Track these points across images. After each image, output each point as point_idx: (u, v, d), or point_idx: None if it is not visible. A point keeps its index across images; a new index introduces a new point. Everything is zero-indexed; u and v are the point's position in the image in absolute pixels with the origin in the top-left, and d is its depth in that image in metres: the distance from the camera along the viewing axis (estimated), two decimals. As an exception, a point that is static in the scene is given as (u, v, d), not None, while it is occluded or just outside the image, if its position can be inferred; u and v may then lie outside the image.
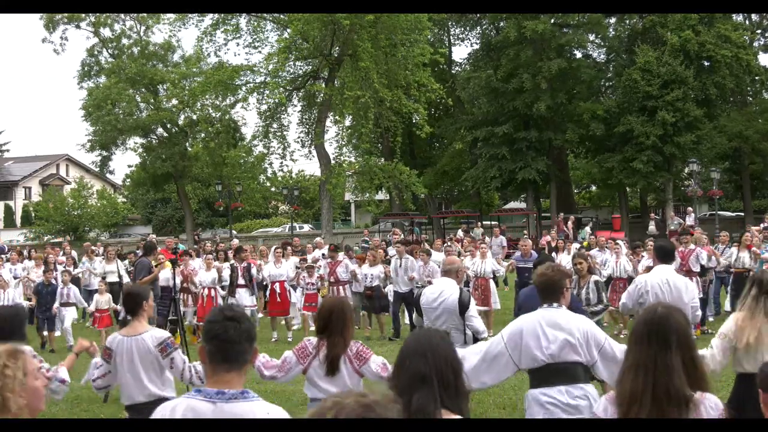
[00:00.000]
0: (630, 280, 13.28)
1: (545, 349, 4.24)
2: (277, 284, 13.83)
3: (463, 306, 6.25)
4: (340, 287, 13.71)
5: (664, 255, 6.82)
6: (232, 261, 14.25)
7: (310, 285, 13.95)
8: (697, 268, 12.25)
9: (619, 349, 4.20)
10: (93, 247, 18.84)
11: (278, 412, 2.61)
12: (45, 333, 13.41)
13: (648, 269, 8.04)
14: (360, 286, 13.68)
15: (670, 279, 6.56)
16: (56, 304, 13.31)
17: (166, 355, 4.91)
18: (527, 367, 4.32)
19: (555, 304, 4.39)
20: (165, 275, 13.14)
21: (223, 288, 13.55)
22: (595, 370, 4.30)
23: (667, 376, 2.79)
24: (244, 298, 13.37)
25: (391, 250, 17.20)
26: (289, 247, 15.75)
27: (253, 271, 13.97)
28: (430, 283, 12.92)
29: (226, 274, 13.74)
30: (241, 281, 13.50)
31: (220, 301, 13.24)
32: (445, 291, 6.29)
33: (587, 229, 27.22)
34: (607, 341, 4.30)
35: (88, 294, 15.02)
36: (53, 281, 13.80)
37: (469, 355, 4.34)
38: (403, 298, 13.70)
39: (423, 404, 2.52)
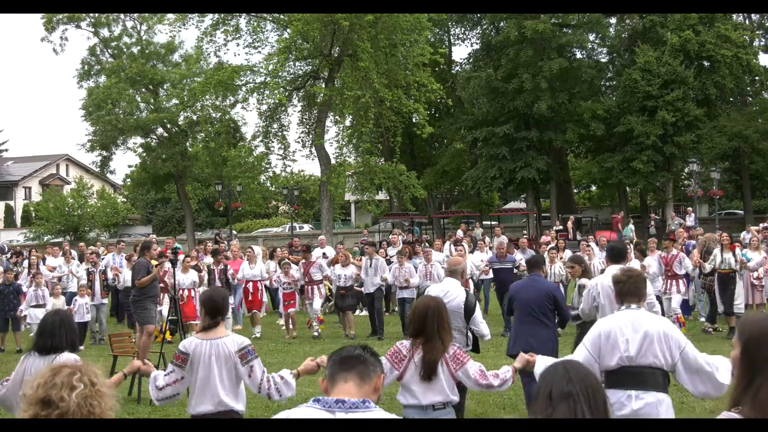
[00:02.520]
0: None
1: (624, 351, 4.26)
2: (251, 284, 14.06)
3: (470, 309, 6.21)
4: (314, 287, 13.83)
5: (614, 256, 6.91)
6: (209, 262, 14.36)
7: (286, 284, 14.03)
8: (681, 272, 12.61)
9: (702, 357, 4.23)
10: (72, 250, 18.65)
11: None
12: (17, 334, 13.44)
13: (602, 271, 8.08)
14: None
15: None
16: (24, 306, 13.28)
17: (246, 362, 4.60)
18: (604, 369, 4.32)
19: (633, 306, 4.46)
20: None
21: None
22: (676, 375, 4.30)
23: None
24: None
25: (391, 250, 17.24)
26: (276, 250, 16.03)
27: (232, 276, 14.06)
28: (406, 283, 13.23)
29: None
30: (217, 282, 13.60)
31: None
32: (451, 292, 6.24)
33: (631, 226, 27.13)
34: (688, 345, 4.29)
35: (70, 296, 14.90)
36: (15, 282, 13.78)
37: None
38: (372, 297, 13.87)
39: (567, 416, 2.39)
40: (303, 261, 14.40)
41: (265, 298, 14.98)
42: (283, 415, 2.60)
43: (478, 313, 6.35)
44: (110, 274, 14.60)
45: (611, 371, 4.30)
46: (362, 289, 14.28)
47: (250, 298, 14.17)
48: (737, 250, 12.93)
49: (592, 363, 4.28)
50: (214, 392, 4.60)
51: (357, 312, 16.60)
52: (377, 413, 2.53)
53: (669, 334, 4.29)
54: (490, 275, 14.56)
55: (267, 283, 15.20)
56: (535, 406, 2.51)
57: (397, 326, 13.99)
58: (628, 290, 4.51)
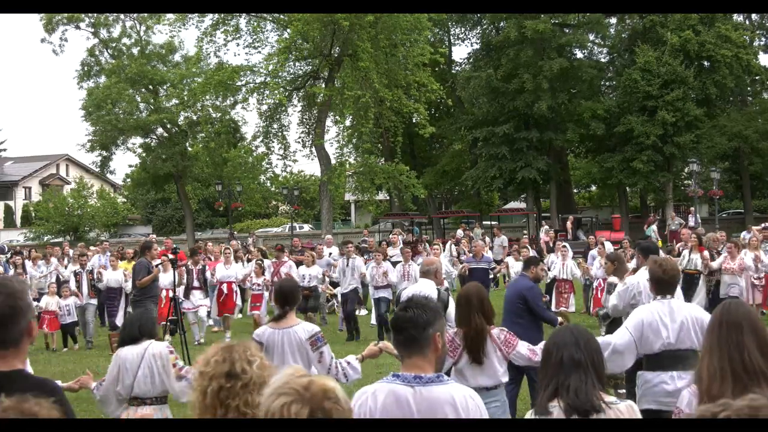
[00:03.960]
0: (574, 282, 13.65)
1: (665, 338, 4.75)
2: (225, 285, 13.79)
3: (442, 306, 6.22)
4: None
5: (648, 254, 6.93)
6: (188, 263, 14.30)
7: (255, 286, 13.94)
8: None
9: None
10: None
11: (474, 395, 2.89)
12: None
13: (634, 271, 8.05)
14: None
15: None
16: None
17: (316, 348, 4.91)
18: (644, 353, 4.84)
19: (668, 296, 4.91)
20: (115, 276, 13.28)
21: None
22: None
23: (739, 353, 2.94)
24: (199, 299, 13.35)
25: (392, 250, 17.22)
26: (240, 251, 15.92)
27: (207, 273, 13.98)
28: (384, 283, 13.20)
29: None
30: (195, 283, 13.49)
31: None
32: (424, 292, 6.28)
33: (653, 227, 26.81)
34: None
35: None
36: None
37: None
38: (346, 297, 13.81)
39: (579, 385, 2.75)
40: (273, 260, 14.29)
41: (239, 300, 14.63)
42: (366, 389, 2.94)
43: (451, 309, 6.30)
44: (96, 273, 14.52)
45: (653, 354, 4.79)
46: (337, 290, 14.15)
47: (223, 299, 13.80)
48: (705, 252, 12.99)
49: (633, 346, 4.75)
50: None
51: (359, 312, 16.45)
52: (451, 386, 2.87)
53: (701, 318, 4.76)
54: (453, 276, 14.41)
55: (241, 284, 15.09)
56: (546, 370, 2.86)
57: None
58: (666, 282, 4.93)
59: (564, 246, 14.29)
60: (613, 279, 7.93)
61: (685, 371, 4.61)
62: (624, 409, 2.83)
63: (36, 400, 1.93)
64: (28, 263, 16.86)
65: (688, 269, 12.61)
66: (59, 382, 4.92)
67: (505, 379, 4.91)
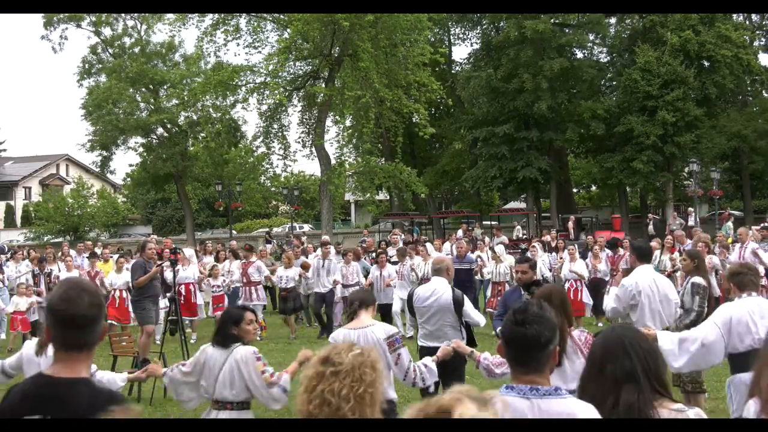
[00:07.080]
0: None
1: (755, 335, 4.65)
2: (183, 286, 13.69)
3: (458, 303, 6.31)
4: (253, 288, 13.71)
5: (643, 255, 6.83)
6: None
7: (216, 287, 14.03)
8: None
9: None
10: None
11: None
12: None
13: (626, 272, 7.99)
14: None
15: (656, 279, 6.63)
16: None
17: (394, 350, 4.73)
18: (732, 352, 4.73)
19: (754, 293, 4.95)
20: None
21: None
22: None
23: None
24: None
25: (391, 250, 17.20)
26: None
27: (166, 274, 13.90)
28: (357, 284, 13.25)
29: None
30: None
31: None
32: (438, 289, 6.39)
33: (729, 224, 25.98)
34: None
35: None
36: None
37: (686, 343, 4.81)
38: (323, 298, 13.84)
39: (632, 401, 2.59)
40: (242, 261, 14.24)
41: (200, 300, 14.45)
42: None
43: (467, 304, 6.42)
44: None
45: (740, 354, 4.66)
46: (310, 291, 14.09)
47: (183, 301, 13.38)
48: (675, 254, 13.01)
49: (721, 342, 4.70)
50: None
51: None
52: (571, 401, 2.61)
53: None
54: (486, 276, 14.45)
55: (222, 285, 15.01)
56: (595, 383, 2.69)
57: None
58: (749, 281, 4.97)
59: (534, 246, 14.42)
60: (696, 279, 6.98)
61: None
62: (692, 416, 2.65)
63: None
64: (25, 262, 16.82)
65: (659, 270, 12.66)
66: (125, 374, 4.97)
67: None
